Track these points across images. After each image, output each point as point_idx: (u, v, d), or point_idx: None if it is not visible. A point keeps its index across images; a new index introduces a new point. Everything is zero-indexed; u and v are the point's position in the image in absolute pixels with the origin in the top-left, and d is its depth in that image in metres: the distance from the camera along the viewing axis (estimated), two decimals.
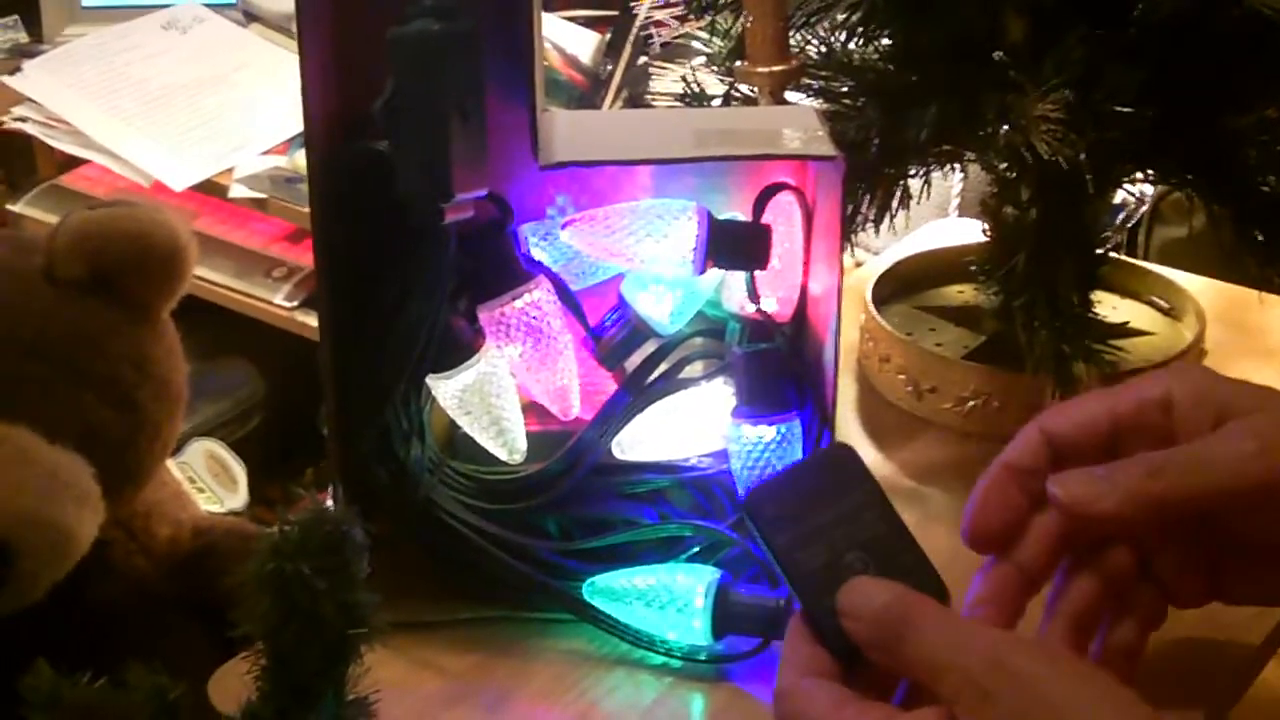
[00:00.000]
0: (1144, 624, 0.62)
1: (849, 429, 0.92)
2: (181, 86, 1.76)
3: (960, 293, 0.98)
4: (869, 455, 0.89)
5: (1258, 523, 0.61)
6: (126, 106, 1.72)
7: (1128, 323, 0.89)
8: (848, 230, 0.88)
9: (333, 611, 0.54)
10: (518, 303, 0.70)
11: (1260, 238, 0.80)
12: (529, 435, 0.74)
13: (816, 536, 0.57)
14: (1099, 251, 0.88)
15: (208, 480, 0.99)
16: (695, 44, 1.15)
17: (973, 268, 0.91)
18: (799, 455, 0.73)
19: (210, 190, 1.66)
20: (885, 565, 0.57)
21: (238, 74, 1.79)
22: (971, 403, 0.89)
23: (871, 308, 0.94)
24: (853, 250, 1.10)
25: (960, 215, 1.16)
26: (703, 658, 0.71)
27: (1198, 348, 0.92)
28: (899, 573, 0.56)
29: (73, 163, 1.73)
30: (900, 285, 0.99)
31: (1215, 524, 0.61)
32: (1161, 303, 0.97)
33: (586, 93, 1.65)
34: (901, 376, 0.92)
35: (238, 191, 1.63)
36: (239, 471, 0.99)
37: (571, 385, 0.73)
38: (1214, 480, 0.59)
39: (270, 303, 1.57)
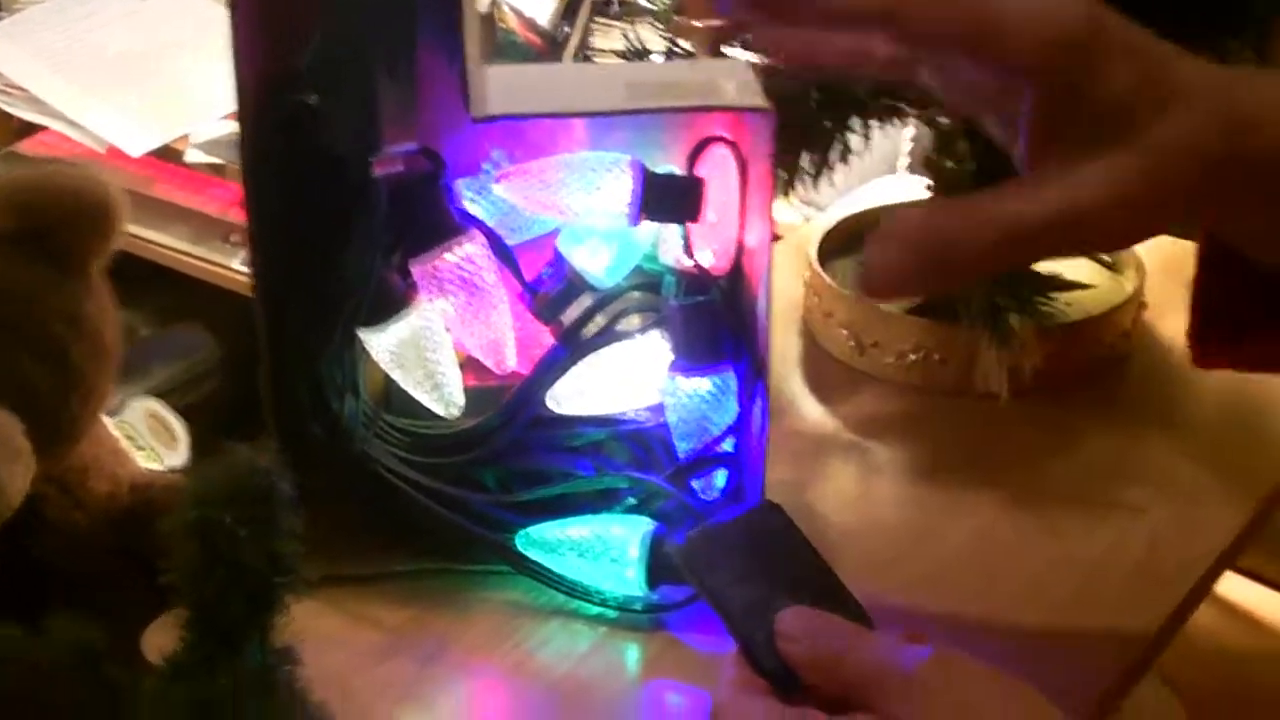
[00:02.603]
0: None
1: (793, 384, 0.93)
2: (139, 53, 1.75)
3: None
4: (812, 410, 0.90)
5: None
6: (84, 73, 1.71)
7: (1059, 275, 0.89)
8: (790, 185, 0.88)
9: (257, 560, 0.55)
10: (450, 256, 0.70)
11: None
12: (466, 390, 0.74)
13: (747, 577, 0.60)
14: None
15: (148, 438, 0.99)
16: (644, 2, 1.14)
17: None
18: (735, 408, 0.73)
19: (167, 156, 1.65)
20: (816, 601, 0.59)
21: (196, 40, 1.78)
22: (913, 356, 0.89)
23: (815, 263, 0.95)
24: (797, 205, 1.10)
25: (910, 172, 1.15)
26: (638, 608, 0.72)
27: (1138, 300, 0.93)
28: (827, 607, 0.59)
29: (30, 129, 1.71)
30: (845, 241, 0.99)
31: None
32: (1103, 255, 0.97)
33: (544, 55, 1.64)
34: (844, 331, 0.92)
35: (194, 157, 1.62)
36: (180, 430, 0.99)
37: (506, 339, 0.72)
38: (1081, 230, 0.52)
39: (227, 267, 1.56)
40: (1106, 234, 0.53)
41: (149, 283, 1.79)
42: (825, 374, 0.93)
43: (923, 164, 0.92)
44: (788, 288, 0.99)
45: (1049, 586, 0.75)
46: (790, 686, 0.57)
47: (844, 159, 0.88)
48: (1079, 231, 0.51)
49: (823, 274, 0.94)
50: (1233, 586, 1.21)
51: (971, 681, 0.54)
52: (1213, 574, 0.78)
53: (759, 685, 0.58)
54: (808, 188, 0.93)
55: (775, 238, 1.00)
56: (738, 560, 0.61)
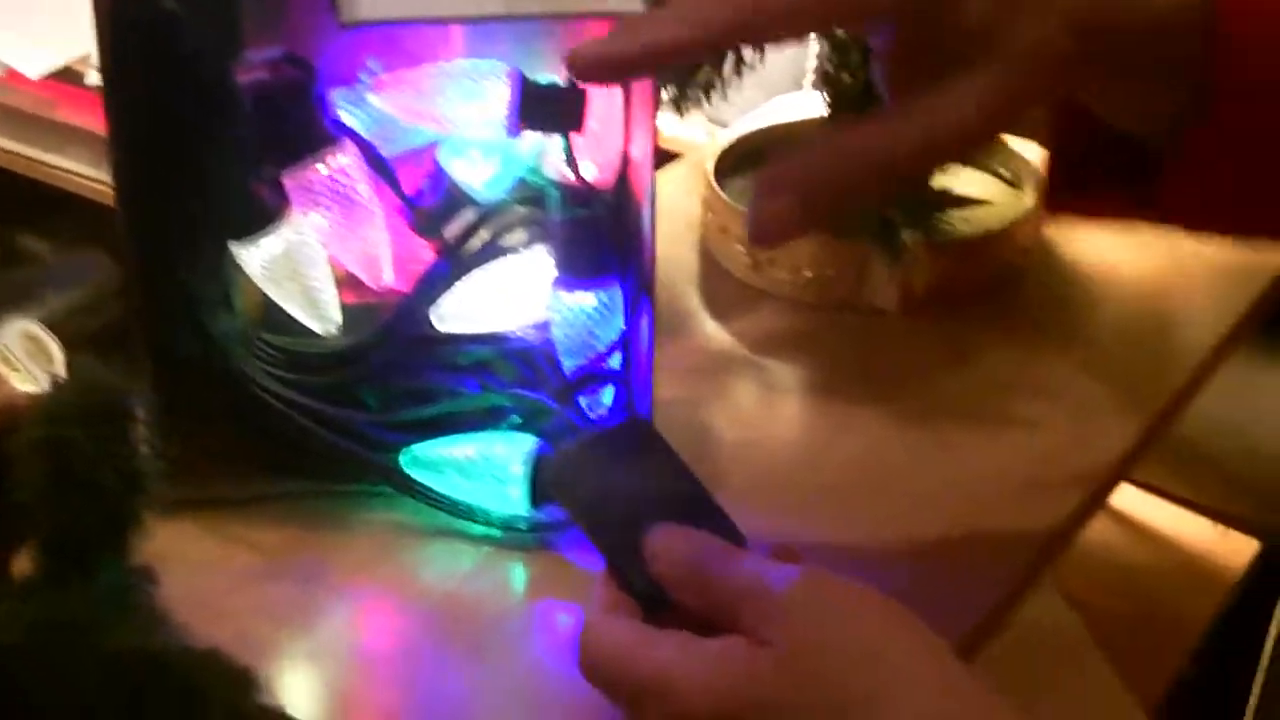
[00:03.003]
0: None
1: (689, 302, 0.92)
2: None
3: None
4: (708, 327, 0.90)
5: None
6: None
7: (948, 190, 0.88)
8: (683, 100, 0.87)
9: (110, 478, 0.53)
10: (322, 168, 0.68)
11: None
12: (346, 308, 0.73)
13: (616, 494, 0.59)
14: None
15: (23, 360, 0.97)
16: None
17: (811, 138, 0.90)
18: (620, 322, 0.72)
19: (67, 78, 1.60)
20: (686, 519, 0.58)
21: None
22: (808, 273, 0.89)
23: (712, 179, 0.94)
24: (703, 124, 1.08)
25: (815, 88, 1.14)
26: (522, 527, 0.71)
27: (1036, 216, 0.92)
28: (699, 525, 0.58)
29: None
30: (744, 158, 0.98)
31: None
32: (1004, 172, 0.97)
33: None
34: (740, 248, 0.91)
35: (97, 79, 1.57)
36: (57, 352, 0.97)
37: (382, 254, 0.71)
38: (950, 151, 0.54)
39: None
40: (971, 147, 0.54)
41: (53, 208, 1.75)
42: (722, 291, 0.92)
43: (820, 79, 0.91)
44: (687, 206, 0.99)
45: (939, 503, 0.74)
46: (658, 606, 0.57)
47: (738, 72, 0.87)
48: (946, 153, 0.55)
49: (719, 190, 0.93)
50: (1132, 501, 1.22)
51: (843, 601, 0.54)
52: (1106, 487, 0.79)
53: (627, 605, 0.57)
54: (712, 104, 0.92)
55: (676, 155, 1.00)
56: (606, 477, 0.60)
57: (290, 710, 0.61)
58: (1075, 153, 0.62)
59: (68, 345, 1.40)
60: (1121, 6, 0.54)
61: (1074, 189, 0.63)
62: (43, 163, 1.85)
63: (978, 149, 0.55)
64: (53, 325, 1.29)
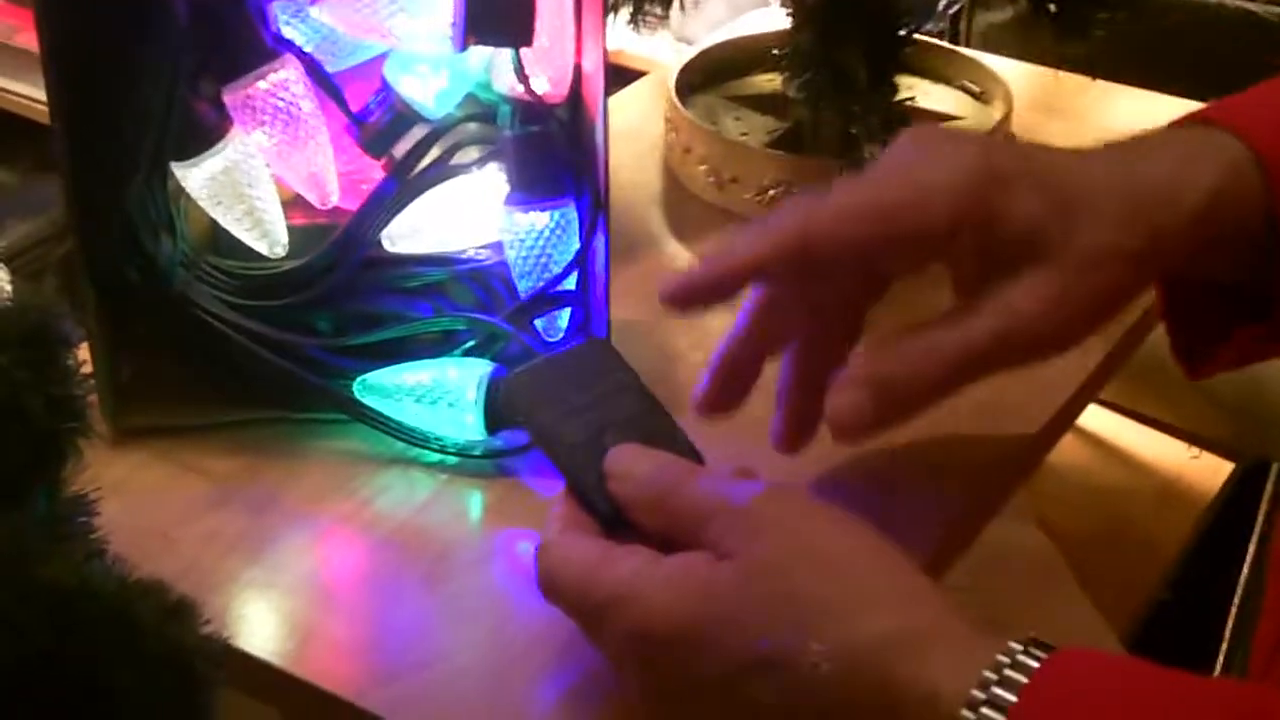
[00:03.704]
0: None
1: (652, 223, 0.90)
2: None
3: (769, 80, 0.96)
4: (670, 249, 0.88)
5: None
6: None
7: (909, 99, 0.87)
8: (640, 14, 0.85)
9: (38, 406, 0.51)
10: (263, 84, 0.66)
11: (1053, 9, 0.77)
12: (294, 229, 0.71)
13: (575, 415, 0.59)
14: (901, 33, 0.85)
15: None
16: None
17: (775, 52, 0.88)
18: (575, 243, 0.71)
19: (28, 3, 1.57)
20: (646, 440, 0.58)
21: None
22: (772, 192, 0.87)
23: (674, 97, 0.92)
24: (670, 41, 1.06)
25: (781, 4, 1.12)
26: (478, 453, 0.70)
27: (1003, 130, 0.91)
28: (659, 445, 0.58)
29: None
30: (708, 74, 0.96)
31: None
32: (972, 87, 0.96)
33: None
34: (703, 167, 0.90)
35: None
36: (3, 279, 0.95)
37: (327, 172, 0.69)
38: (1023, 340, 0.57)
39: None
40: (1043, 342, 0.58)
41: (17, 136, 1.72)
42: (685, 212, 0.91)
43: None
44: (650, 126, 0.97)
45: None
46: (619, 525, 0.56)
47: None
48: (1018, 348, 0.57)
49: (681, 108, 0.91)
50: (1104, 423, 1.21)
51: (806, 517, 0.54)
52: (1073, 406, 0.77)
53: (587, 525, 0.57)
54: (676, 18, 0.90)
55: (641, 73, 0.97)
56: (565, 397, 0.60)
57: (241, 642, 0.61)
58: (1190, 310, 0.64)
59: (30, 274, 1.38)
60: (1161, 203, 0.57)
61: (1204, 347, 0.64)
62: (4, 90, 1.82)
63: (1050, 348, 0.58)
64: (15, 253, 1.27)
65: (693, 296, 0.59)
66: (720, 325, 0.79)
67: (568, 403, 0.59)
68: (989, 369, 0.58)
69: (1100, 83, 0.97)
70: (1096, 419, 1.20)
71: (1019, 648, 0.48)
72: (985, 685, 0.47)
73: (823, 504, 0.54)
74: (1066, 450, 1.15)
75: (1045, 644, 0.48)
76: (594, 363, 0.62)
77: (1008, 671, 0.47)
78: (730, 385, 0.63)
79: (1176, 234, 0.57)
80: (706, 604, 0.51)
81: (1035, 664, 0.47)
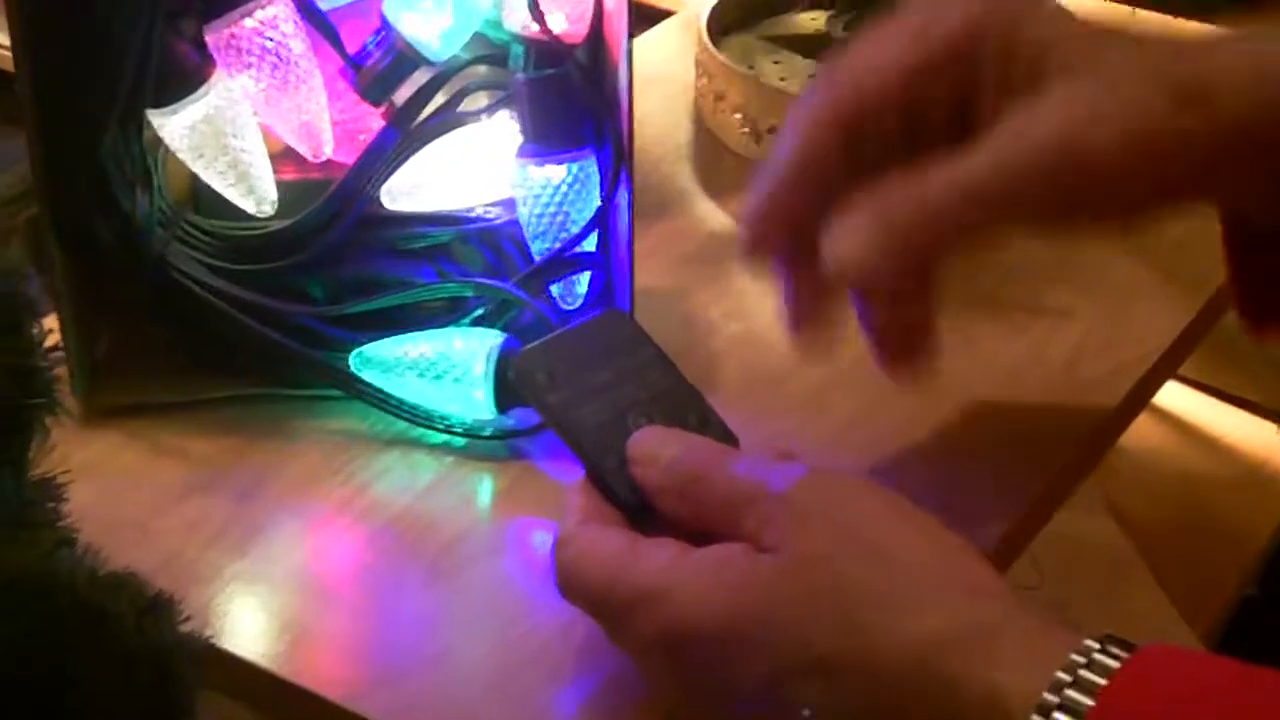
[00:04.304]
0: None
1: (680, 178, 0.90)
2: None
3: (812, 19, 0.96)
4: (702, 207, 0.88)
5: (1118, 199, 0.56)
6: None
7: None
8: None
9: (0, 380, 0.51)
10: (249, 21, 0.66)
11: None
12: (284, 185, 0.71)
13: (594, 395, 0.59)
14: None
15: None
16: None
17: None
18: (596, 199, 0.71)
19: None
20: (673, 421, 0.58)
21: None
22: None
23: (705, 37, 0.92)
24: None
25: None
26: (487, 433, 0.70)
27: None
28: (688, 427, 0.58)
29: None
30: (744, 12, 0.96)
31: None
32: None
33: None
34: (738, 116, 0.89)
35: None
36: None
37: (320, 120, 0.69)
38: (1026, 204, 0.54)
39: None
40: (1058, 183, 0.54)
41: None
42: (718, 166, 0.91)
43: None
44: (679, 69, 0.97)
45: (962, 402, 0.73)
46: (643, 515, 0.56)
47: None
48: (1027, 189, 0.54)
49: (713, 50, 0.91)
50: (1184, 402, 1.20)
51: (854, 502, 0.53)
52: (1150, 384, 0.77)
53: (610, 515, 0.57)
54: None
55: (669, 14, 0.97)
56: (583, 375, 0.60)
57: (225, 642, 0.61)
58: (1257, 271, 0.62)
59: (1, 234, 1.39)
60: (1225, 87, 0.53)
61: (1269, 310, 0.62)
62: None
63: (1069, 183, 0.54)
64: None
65: (772, 218, 0.58)
66: (756, 292, 0.79)
67: (586, 381, 0.59)
68: (999, 215, 0.55)
69: (1182, 22, 0.96)
70: (1175, 396, 1.19)
71: (1095, 645, 0.47)
72: (1058, 687, 0.46)
73: (872, 487, 0.54)
74: (1141, 431, 1.15)
75: (1124, 641, 0.48)
76: (614, 337, 0.62)
77: (1083, 672, 0.46)
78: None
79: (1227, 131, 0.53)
80: (746, 599, 0.51)
81: (1114, 664, 0.46)
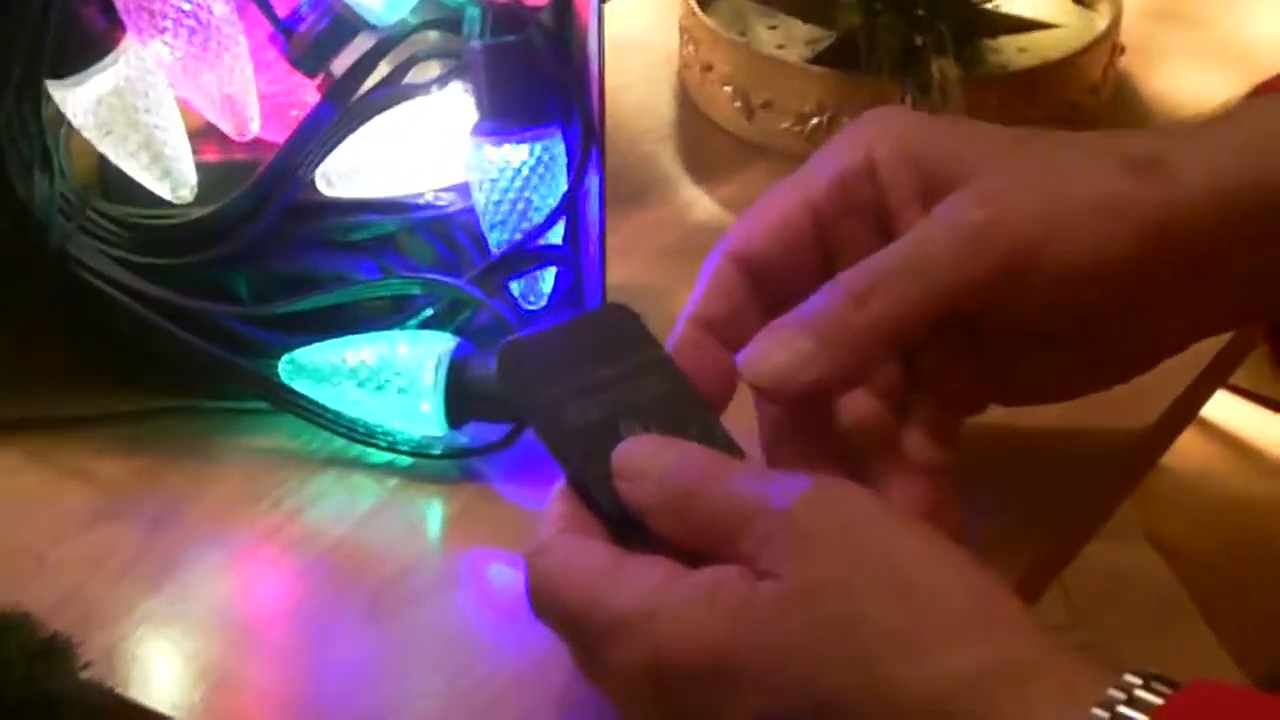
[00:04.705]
0: (936, 441, 0.61)
1: (663, 160, 0.91)
2: None
3: None
4: (687, 192, 0.89)
5: (1014, 308, 0.59)
6: None
7: (995, 7, 0.87)
8: None
9: None
10: None
11: None
12: (205, 167, 0.72)
13: (585, 395, 0.59)
14: None
15: None
16: None
17: None
18: (562, 184, 0.71)
19: None
20: (673, 430, 0.58)
21: None
22: (815, 120, 0.88)
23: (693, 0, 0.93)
24: None
25: None
26: (437, 452, 0.70)
27: (1111, 42, 0.91)
28: (690, 439, 0.58)
29: None
30: None
31: (968, 319, 0.61)
32: None
33: None
34: (728, 89, 0.90)
35: None
36: None
37: (246, 93, 0.69)
38: (940, 281, 0.58)
39: None
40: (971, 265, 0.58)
41: None
42: (705, 146, 0.91)
43: None
44: (661, 35, 0.98)
45: (986, 413, 0.71)
46: (631, 531, 0.56)
47: None
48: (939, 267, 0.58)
49: (700, 13, 0.91)
50: (1234, 414, 1.20)
51: (865, 521, 0.53)
52: (1197, 394, 0.77)
53: (593, 526, 0.57)
54: None
55: None
56: (575, 374, 0.60)
57: (134, 691, 0.60)
58: None
59: None
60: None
61: None
62: None
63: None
64: None
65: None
66: None
67: (578, 380, 0.59)
68: (922, 299, 0.59)
69: None
70: (1225, 409, 1.19)
71: (1137, 682, 0.47)
72: None
73: (885, 506, 0.54)
74: (1187, 449, 1.15)
75: (1168, 679, 0.48)
76: (615, 334, 0.62)
77: (1122, 708, 0.47)
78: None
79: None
80: (743, 629, 0.51)
81: (1158, 700, 0.47)
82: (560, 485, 0.58)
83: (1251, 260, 0.60)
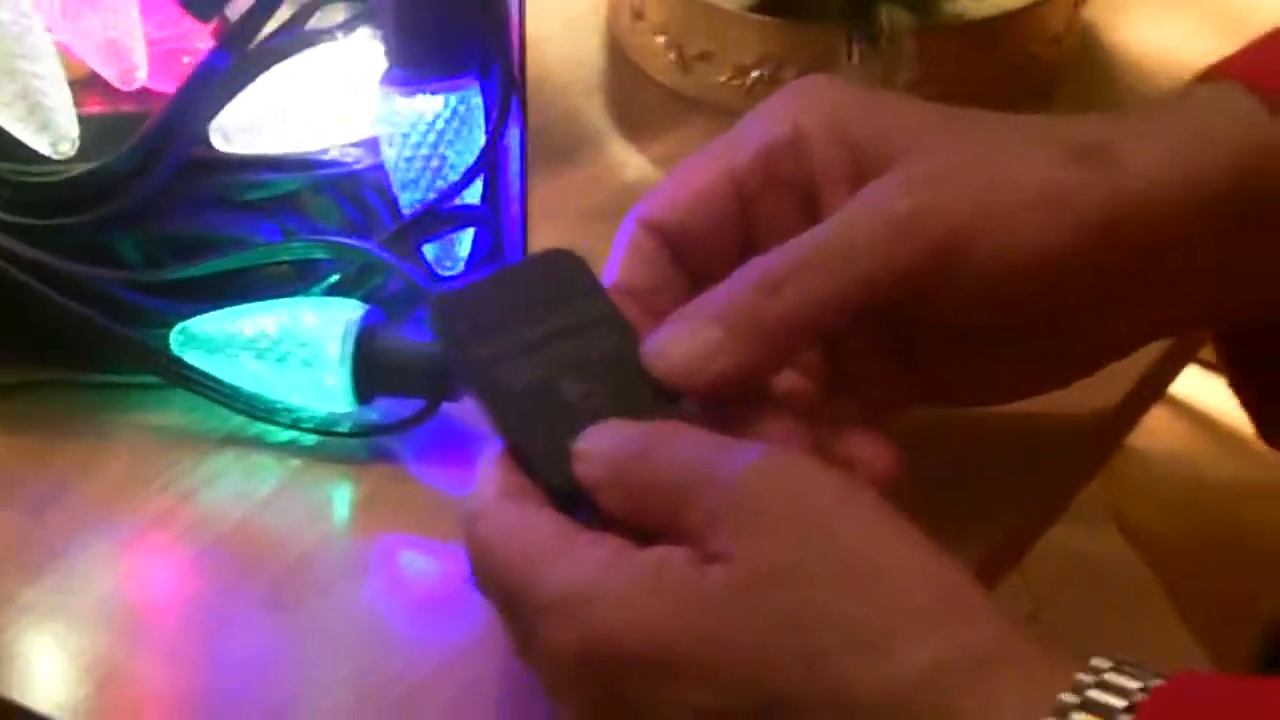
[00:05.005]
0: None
1: (591, 115, 0.91)
2: None
3: None
4: (617, 151, 0.89)
5: (943, 302, 0.60)
6: None
7: None
8: None
9: None
10: None
11: None
12: (88, 120, 0.72)
13: (525, 352, 0.59)
14: None
15: None
16: None
17: None
18: (480, 139, 0.71)
19: None
20: (617, 389, 0.59)
21: None
22: (756, 73, 0.88)
23: None
24: None
25: None
26: (344, 429, 0.70)
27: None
28: (635, 399, 0.58)
29: None
30: None
31: (896, 308, 0.61)
32: None
33: None
34: (661, 38, 0.90)
35: None
36: None
37: (132, 38, 0.69)
38: (860, 272, 0.58)
39: None
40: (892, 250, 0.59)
41: None
42: (636, 99, 0.92)
43: None
44: None
45: None
46: (573, 506, 0.56)
47: None
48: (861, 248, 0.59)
49: None
50: (1205, 391, 1.21)
51: (818, 497, 0.53)
52: (1165, 369, 0.78)
53: (534, 495, 0.57)
54: None
55: None
56: (514, 328, 0.60)
57: (12, 690, 0.60)
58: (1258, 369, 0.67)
59: None
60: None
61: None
62: None
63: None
64: None
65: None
66: None
67: (519, 336, 0.59)
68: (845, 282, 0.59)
69: None
70: (1196, 385, 1.20)
71: (1105, 665, 0.48)
72: (1062, 711, 0.47)
73: (841, 479, 0.54)
74: (1155, 428, 1.16)
75: (1137, 663, 0.48)
76: (557, 283, 0.61)
77: (1092, 693, 0.47)
78: None
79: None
80: (688, 616, 0.51)
81: (1133, 684, 0.47)
82: (497, 450, 0.58)
83: (1220, 253, 0.61)
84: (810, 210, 0.61)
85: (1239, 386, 0.69)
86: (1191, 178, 0.60)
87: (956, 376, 0.64)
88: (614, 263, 0.62)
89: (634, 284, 0.61)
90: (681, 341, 0.58)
